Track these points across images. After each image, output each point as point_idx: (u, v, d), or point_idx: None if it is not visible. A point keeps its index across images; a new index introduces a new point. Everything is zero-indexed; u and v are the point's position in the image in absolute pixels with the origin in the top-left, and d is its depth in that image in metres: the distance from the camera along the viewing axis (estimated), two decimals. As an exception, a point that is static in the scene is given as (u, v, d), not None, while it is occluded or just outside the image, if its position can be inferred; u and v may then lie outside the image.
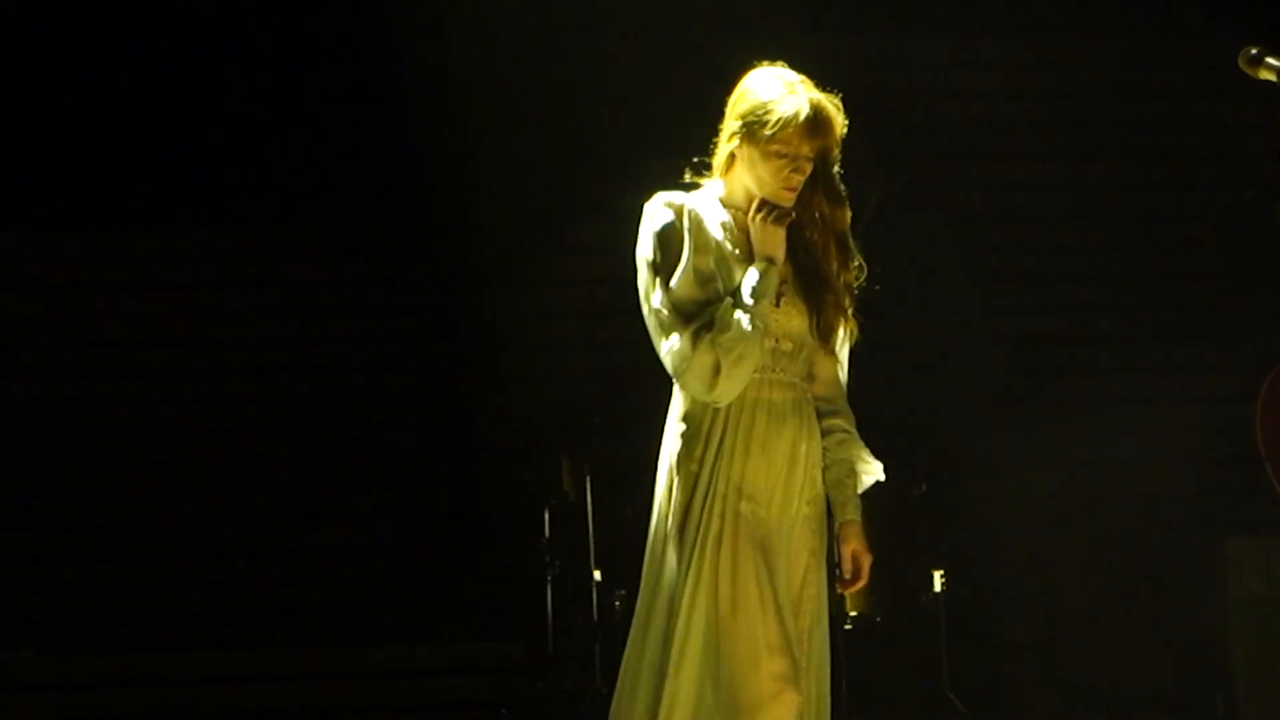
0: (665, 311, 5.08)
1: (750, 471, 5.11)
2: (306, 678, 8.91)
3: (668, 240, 5.11)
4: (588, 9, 9.87)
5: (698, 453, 5.12)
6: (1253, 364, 4.77)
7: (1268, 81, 4.63)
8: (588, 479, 8.29)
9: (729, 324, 5.03)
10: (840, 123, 5.11)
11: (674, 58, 9.84)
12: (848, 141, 5.11)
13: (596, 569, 8.23)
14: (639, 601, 5.17)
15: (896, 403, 8.85)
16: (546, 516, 8.42)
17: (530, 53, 9.98)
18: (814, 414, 5.22)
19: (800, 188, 5.12)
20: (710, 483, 5.10)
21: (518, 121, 9.86)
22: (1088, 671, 9.30)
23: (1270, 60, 4.62)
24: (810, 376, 5.22)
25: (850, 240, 5.24)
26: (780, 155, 5.06)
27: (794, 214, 5.10)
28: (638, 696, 5.11)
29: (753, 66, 5.15)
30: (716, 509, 5.08)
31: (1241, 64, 4.65)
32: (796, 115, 5.03)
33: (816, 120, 5.06)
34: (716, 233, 5.14)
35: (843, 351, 5.29)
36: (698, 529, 5.08)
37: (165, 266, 10.04)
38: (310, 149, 9.99)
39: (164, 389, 9.84)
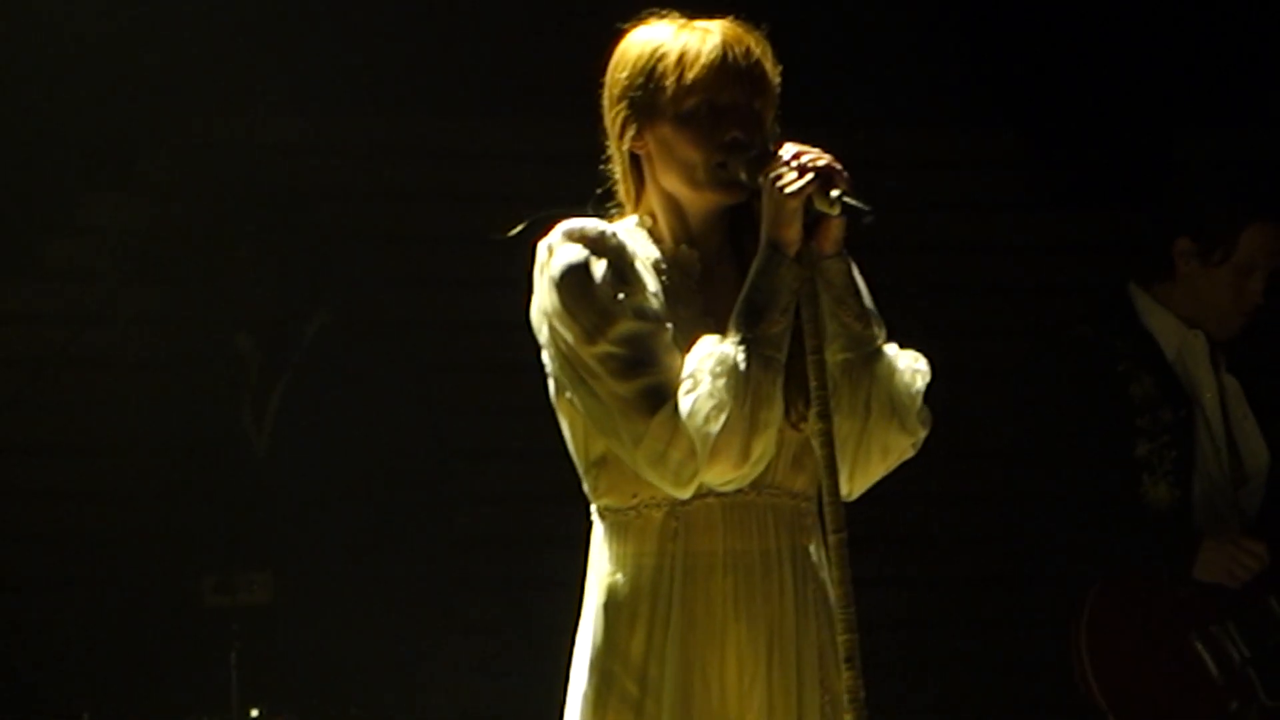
0: (618, 381, 3.24)
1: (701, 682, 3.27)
2: None
3: (584, 282, 3.29)
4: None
5: (623, 644, 3.30)
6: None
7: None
8: None
9: (713, 370, 3.19)
10: (772, 66, 3.38)
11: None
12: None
13: None
14: None
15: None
16: None
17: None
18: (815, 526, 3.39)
19: (756, 143, 3.30)
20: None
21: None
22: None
23: None
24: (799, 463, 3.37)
25: None
26: (701, 110, 3.31)
27: (833, 166, 3.22)
28: None
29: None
30: None
31: None
32: (700, 50, 3.32)
33: (733, 55, 3.32)
34: (649, 278, 3.36)
35: None
36: None
37: None
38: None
39: None
